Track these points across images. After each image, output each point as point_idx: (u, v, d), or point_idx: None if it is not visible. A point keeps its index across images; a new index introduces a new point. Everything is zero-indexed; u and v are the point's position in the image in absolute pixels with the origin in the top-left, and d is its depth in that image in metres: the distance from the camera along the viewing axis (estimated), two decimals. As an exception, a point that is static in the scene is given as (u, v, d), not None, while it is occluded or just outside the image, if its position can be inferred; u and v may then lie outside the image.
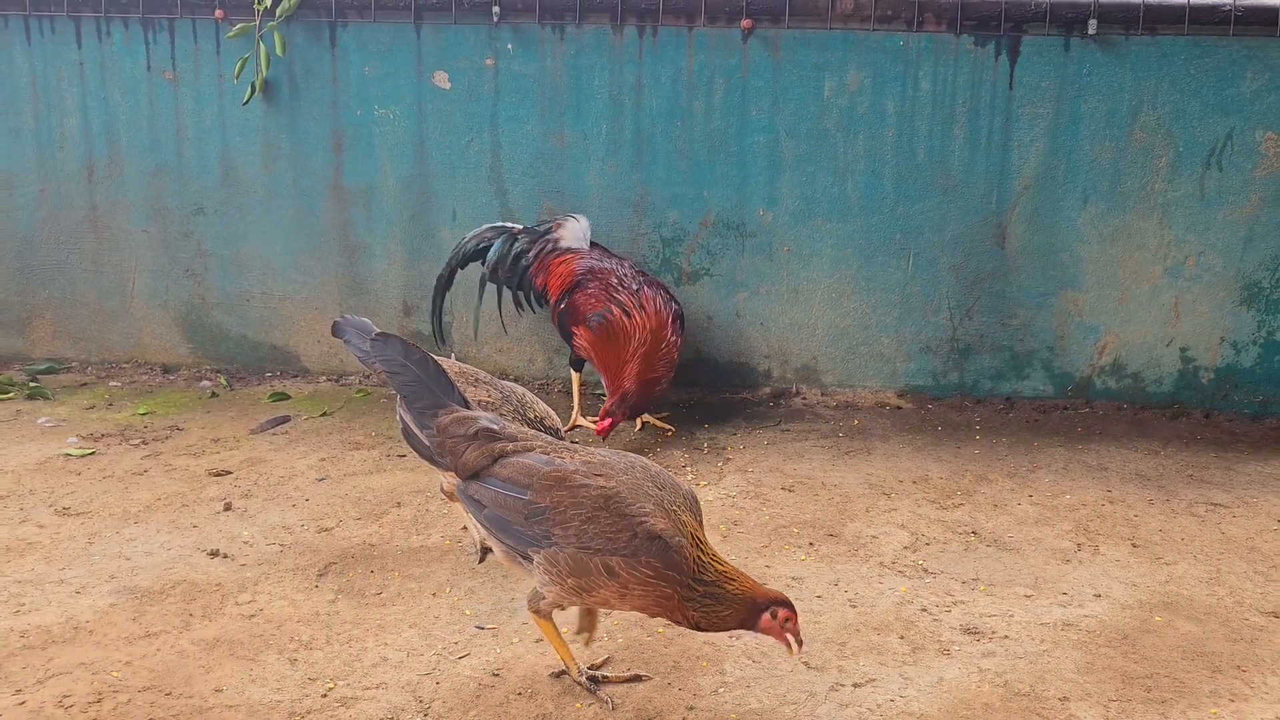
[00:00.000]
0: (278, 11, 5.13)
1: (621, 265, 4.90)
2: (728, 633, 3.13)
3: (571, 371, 5.08)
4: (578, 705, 2.86)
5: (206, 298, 5.61)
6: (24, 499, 4.10)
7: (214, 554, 3.67)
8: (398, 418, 3.10)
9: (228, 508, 4.03)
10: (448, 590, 3.46)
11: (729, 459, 4.61)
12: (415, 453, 3.00)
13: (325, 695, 2.89)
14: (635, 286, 4.77)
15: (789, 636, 2.66)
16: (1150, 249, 5.06)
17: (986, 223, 5.11)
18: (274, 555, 3.68)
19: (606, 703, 2.85)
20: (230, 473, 4.38)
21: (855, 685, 2.96)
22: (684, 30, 5.07)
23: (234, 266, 5.55)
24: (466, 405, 2.94)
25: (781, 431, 4.95)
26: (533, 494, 2.73)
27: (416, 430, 2.93)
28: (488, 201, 5.32)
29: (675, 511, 2.72)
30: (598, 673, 2.95)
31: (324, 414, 5.10)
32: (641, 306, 4.71)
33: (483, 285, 5.14)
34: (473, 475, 2.85)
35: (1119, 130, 4.95)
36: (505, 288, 5.13)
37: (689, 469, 4.49)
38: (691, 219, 5.24)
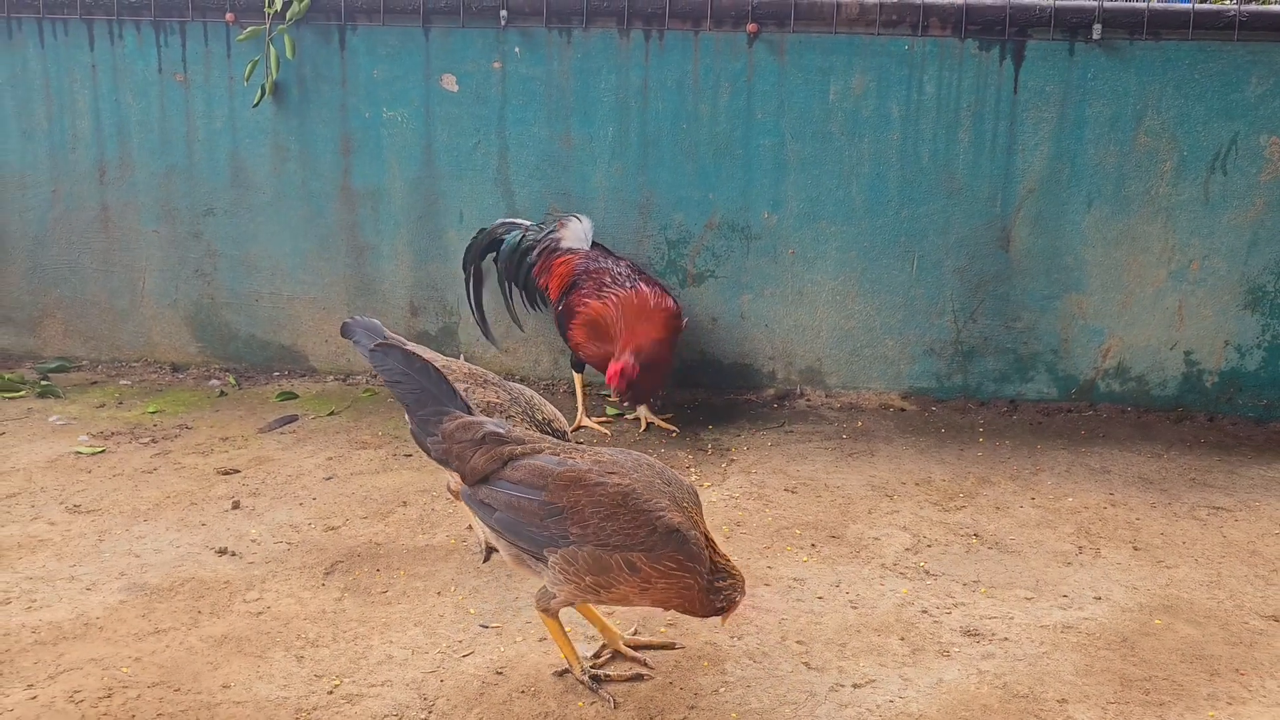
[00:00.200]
0: (288, 15, 5.18)
1: (618, 264, 4.91)
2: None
3: (574, 373, 5.12)
4: (580, 704, 2.88)
5: (216, 297, 5.66)
6: (35, 496, 4.15)
7: (222, 552, 3.70)
8: (406, 419, 3.13)
9: (236, 506, 4.07)
10: (452, 589, 3.48)
11: (733, 460, 4.63)
12: (426, 454, 3.02)
13: (331, 692, 2.92)
14: (629, 285, 4.77)
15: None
16: (1154, 253, 5.07)
17: (991, 226, 5.12)
18: (281, 553, 3.72)
19: (608, 701, 2.88)
20: (238, 471, 4.42)
21: (855, 686, 2.99)
22: (690, 34, 5.10)
23: (243, 267, 5.60)
24: (470, 411, 2.94)
25: (785, 433, 4.97)
26: (548, 494, 2.74)
27: (423, 438, 2.95)
28: (495, 203, 5.36)
29: (686, 507, 2.77)
30: (600, 672, 2.98)
31: (331, 413, 5.14)
32: (627, 294, 4.70)
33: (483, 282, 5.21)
34: (481, 480, 2.85)
35: (1123, 134, 4.96)
36: (514, 285, 5.18)
37: (693, 469, 4.51)
38: (697, 221, 5.27)
